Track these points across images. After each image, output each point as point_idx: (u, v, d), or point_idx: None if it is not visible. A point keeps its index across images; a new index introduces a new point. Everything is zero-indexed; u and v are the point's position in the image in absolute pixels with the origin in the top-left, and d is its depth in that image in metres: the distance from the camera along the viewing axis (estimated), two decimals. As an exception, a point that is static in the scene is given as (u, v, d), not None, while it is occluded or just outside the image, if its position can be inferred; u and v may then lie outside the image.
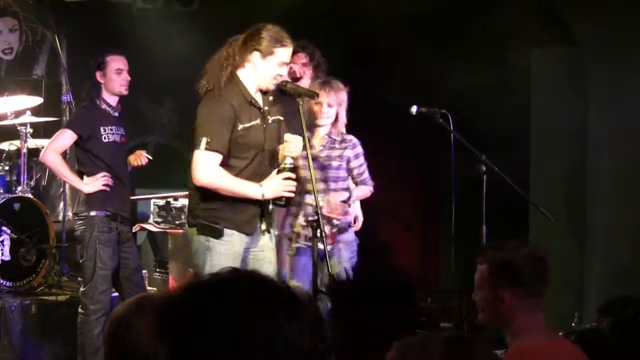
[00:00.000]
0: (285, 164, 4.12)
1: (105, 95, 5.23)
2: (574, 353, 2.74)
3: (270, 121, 4.32)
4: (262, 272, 3.89)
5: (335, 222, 4.82)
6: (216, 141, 4.15)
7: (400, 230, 8.00)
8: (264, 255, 4.40)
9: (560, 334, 3.15)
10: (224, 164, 4.22)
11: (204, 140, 4.14)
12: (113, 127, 5.23)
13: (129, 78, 5.24)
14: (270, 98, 4.39)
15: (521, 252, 2.75)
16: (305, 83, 5.26)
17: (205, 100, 4.27)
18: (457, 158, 5.35)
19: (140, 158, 5.48)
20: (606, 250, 6.06)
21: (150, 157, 5.55)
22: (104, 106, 5.22)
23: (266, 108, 4.31)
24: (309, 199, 4.75)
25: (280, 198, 4.19)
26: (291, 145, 4.16)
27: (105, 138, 5.18)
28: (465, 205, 5.44)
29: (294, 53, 5.08)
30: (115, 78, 5.19)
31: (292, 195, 4.18)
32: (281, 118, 4.39)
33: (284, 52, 4.19)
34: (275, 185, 4.16)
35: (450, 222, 5.71)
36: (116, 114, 5.27)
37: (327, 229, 4.71)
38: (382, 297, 2.06)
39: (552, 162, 6.56)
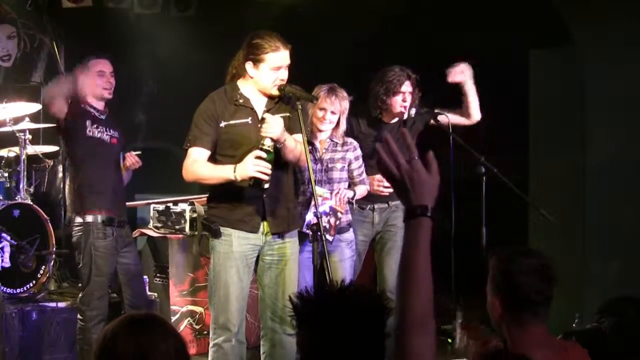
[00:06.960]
0: (263, 144, 4.06)
1: (90, 99, 5.20)
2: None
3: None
4: (281, 281, 3.87)
5: (339, 214, 4.93)
6: (198, 139, 4.25)
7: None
8: (283, 267, 4.35)
9: (559, 337, 3.12)
10: (215, 160, 4.27)
11: (187, 139, 4.30)
12: (100, 127, 5.17)
13: (112, 81, 5.19)
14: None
15: (523, 261, 2.66)
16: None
17: None
18: (456, 159, 5.35)
19: (131, 157, 5.43)
20: (606, 250, 6.05)
21: (139, 152, 5.48)
22: (89, 108, 5.18)
23: (264, 108, 4.30)
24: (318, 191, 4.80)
25: (250, 179, 4.06)
26: (268, 126, 4.09)
27: (90, 132, 5.11)
28: (464, 206, 5.43)
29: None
30: (97, 81, 5.16)
31: (263, 177, 4.05)
32: (287, 114, 4.30)
33: (274, 57, 4.19)
34: (245, 165, 4.07)
35: (449, 223, 5.70)
36: (102, 117, 5.23)
37: (332, 220, 4.87)
38: (348, 317, 2.01)
39: (551, 162, 6.56)
